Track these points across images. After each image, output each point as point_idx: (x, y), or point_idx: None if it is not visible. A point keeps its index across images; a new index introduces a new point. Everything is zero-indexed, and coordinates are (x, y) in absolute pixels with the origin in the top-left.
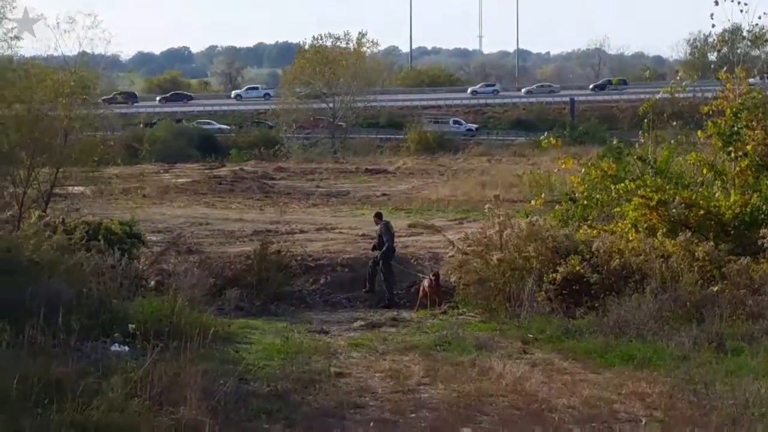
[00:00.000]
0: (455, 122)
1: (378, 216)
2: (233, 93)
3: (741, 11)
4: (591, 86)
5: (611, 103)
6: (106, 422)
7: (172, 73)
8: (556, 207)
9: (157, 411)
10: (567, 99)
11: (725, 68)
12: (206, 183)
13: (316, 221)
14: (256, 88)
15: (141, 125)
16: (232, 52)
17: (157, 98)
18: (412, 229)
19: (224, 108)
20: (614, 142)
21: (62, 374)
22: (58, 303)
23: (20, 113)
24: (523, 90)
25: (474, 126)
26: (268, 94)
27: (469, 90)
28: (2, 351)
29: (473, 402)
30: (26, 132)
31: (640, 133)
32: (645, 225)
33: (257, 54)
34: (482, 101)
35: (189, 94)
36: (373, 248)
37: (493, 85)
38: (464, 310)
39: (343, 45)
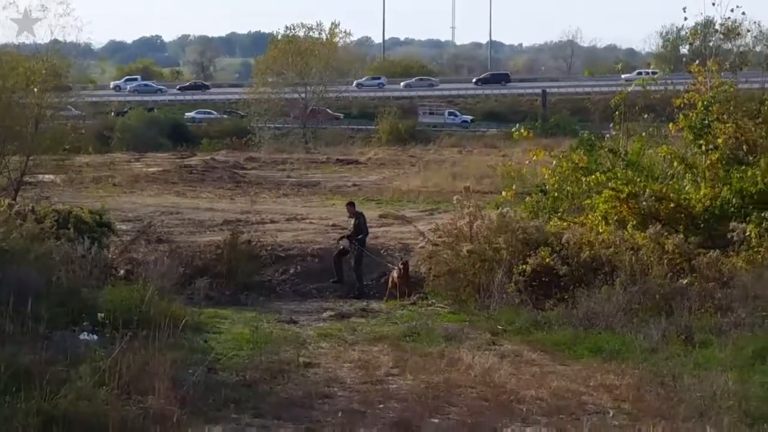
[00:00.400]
0: (450, 114)
1: (351, 205)
2: (112, 84)
3: (713, 4)
4: (474, 80)
5: (583, 95)
6: (74, 411)
7: (144, 62)
8: (527, 199)
9: (126, 400)
10: (539, 90)
11: (697, 61)
12: (177, 172)
13: (286, 211)
14: (135, 79)
15: (112, 114)
16: (205, 42)
17: (177, 87)
18: (382, 220)
19: (195, 98)
20: (586, 135)
21: (30, 362)
22: (27, 291)
23: None
24: (402, 84)
25: (469, 118)
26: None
27: (355, 83)
28: None
29: (442, 393)
30: None
31: (611, 125)
32: (615, 217)
33: (230, 43)
34: (454, 92)
35: (206, 83)
36: (341, 238)
37: (379, 78)
38: (434, 301)
39: (316, 35)
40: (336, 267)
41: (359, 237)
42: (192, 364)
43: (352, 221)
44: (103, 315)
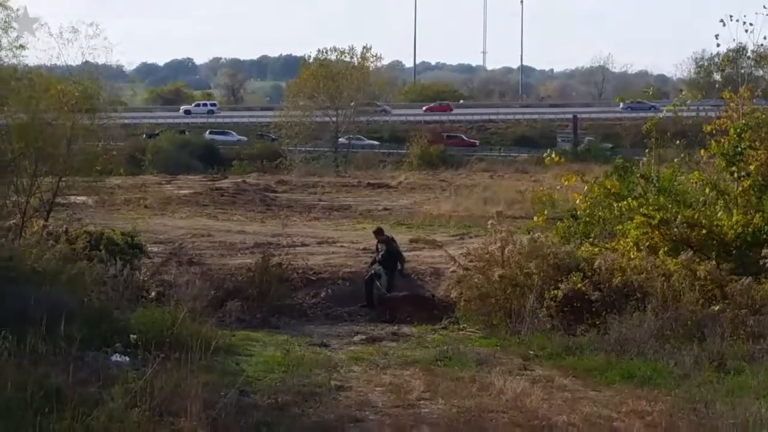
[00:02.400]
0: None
1: (379, 231)
2: (182, 108)
3: (746, 31)
4: (423, 108)
5: (614, 120)
6: None
7: (175, 84)
8: (558, 224)
9: (158, 422)
10: (570, 116)
11: (729, 88)
12: (208, 194)
13: (317, 234)
14: (205, 104)
15: (144, 136)
16: (236, 64)
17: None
18: (413, 244)
19: (227, 120)
20: (620, 160)
21: (63, 383)
22: (59, 312)
23: (24, 122)
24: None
25: (609, 145)
26: (212, 111)
27: (182, 109)
28: (4, 359)
29: (473, 418)
30: (30, 141)
31: (646, 151)
32: (647, 243)
33: (261, 66)
34: (485, 117)
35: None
36: (372, 263)
37: (211, 104)
38: (465, 325)
39: (347, 59)
40: (367, 291)
41: (395, 262)
42: (224, 386)
43: (381, 246)
44: (135, 336)
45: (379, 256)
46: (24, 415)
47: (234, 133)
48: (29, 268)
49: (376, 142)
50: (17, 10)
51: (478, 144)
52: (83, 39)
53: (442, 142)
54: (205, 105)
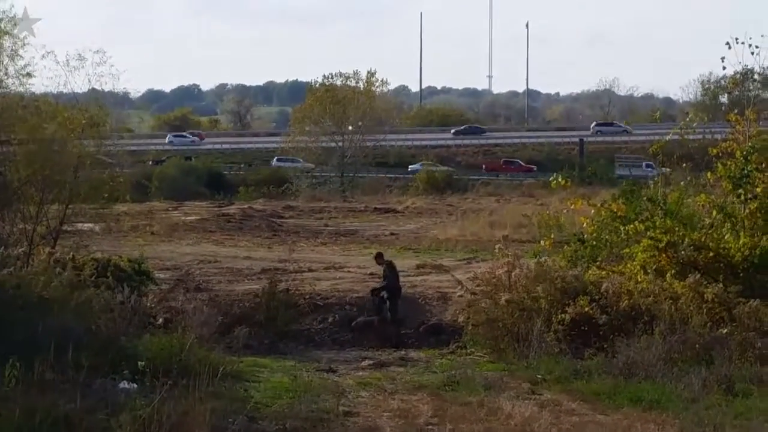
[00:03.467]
0: (648, 166)
1: (379, 256)
2: (167, 138)
3: (752, 53)
4: (452, 131)
5: (620, 144)
6: None
7: (182, 111)
8: (565, 248)
9: None
10: (576, 139)
11: (736, 110)
12: (215, 221)
13: (324, 260)
14: (185, 136)
15: (150, 162)
16: (242, 90)
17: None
18: (420, 269)
19: (233, 147)
20: (627, 184)
21: (71, 411)
22: (67, 339)
23: (31, 150)
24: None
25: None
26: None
27: (167, 138)
28: (12, 387)
29: None
30: (37, 168)
31: (652, 173)
32: (654, 266)
33: (267, 92)
34: (492, 141)
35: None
36: (372, 292)
37: (191, 134)
38: (472, 350)
39: (353, 84)
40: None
41: (383, 286)
42: (232, 412)
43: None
44: (143, 363)
45: (384, 282)
46: None
47: (301, 160)
48: (37, 295)
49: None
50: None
51: (535, 169)
52: (90, 66)
53: (499, 168)
54: (185, 137)
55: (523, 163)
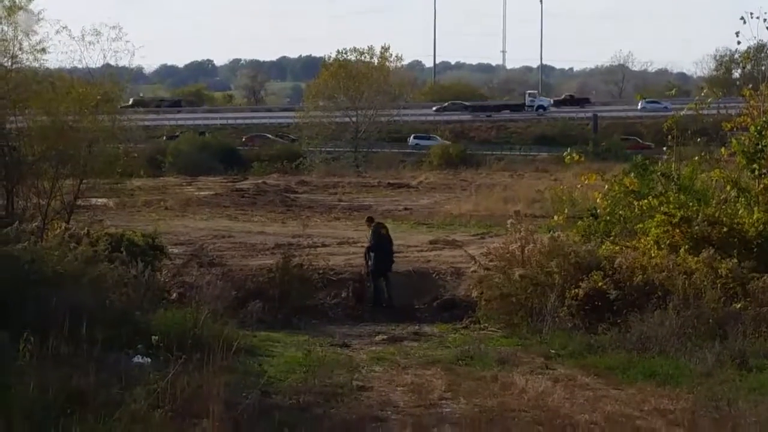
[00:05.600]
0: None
1: (369, 220)
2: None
3: (767, 28)
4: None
5: (634, 119)
6: None
7: (196, 86)
8: (579, 223)
9: (180, 423)
10: (590, 114)
11: (750, 85)
12: (228, 196)
13: (338, 235)
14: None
15: (164, 138)
16: (256, 66)
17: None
18: (433, 244)
19: (247, 121)
20: (639, 158)
21: (85, 385)
22: (81, 314)
23: (45, 125)
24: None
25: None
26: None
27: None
28: (26, 361)
29: (495, 417)
30: (51, 144)
31: (664, 149)
32: (668, 242)
33: (281, 67)
34: (506, 117)
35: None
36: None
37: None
38: (486, 325)
39: (367, 59)
40: (375, 290)
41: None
42: (245, 387)
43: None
44: (156, 338)
45: (369, 242)
46: (46, 417)
47: (438, 138)
48: (51, 270)
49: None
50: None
51: (653, 146)
52: (105, 41)
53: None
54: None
55: (640, 141)
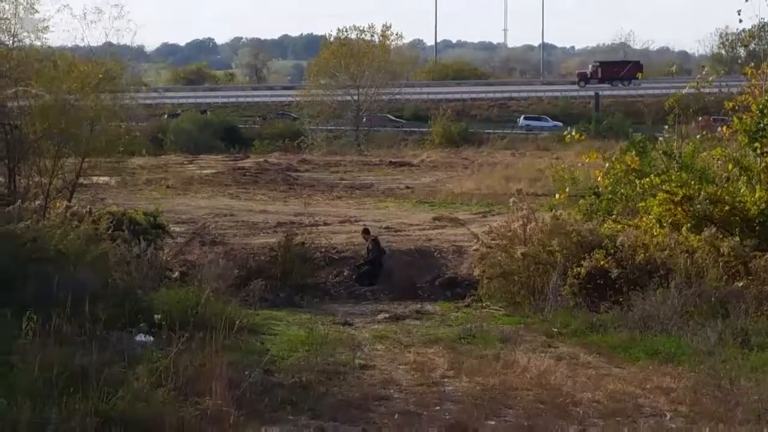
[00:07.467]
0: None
1: (366, 232)
2: None
3: None
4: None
5: (636, 98)
6: (131, 412)
7: (198, 65)
8: (580, 201)
9: (183, 401)
10: (592, 93)
11: (752, 64)
12: (230, 174)
13: (339, 213)
14: None
15: (165, 116)
16: (257, 44)
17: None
18: (436, 222)
19: (248, 99)
20: (637, 136)
21: (87, 363)
22: (84, 292)
23: (47, 103)
24: None
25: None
26: None
27: None
28: (29, 340)
29: (498, 395)
30: (53, 122)
31: (665, 127)
32: (670, 220)
33: (282, 46)
34: (506, 94)
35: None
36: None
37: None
38: (488, 303)
39: (368, 38)
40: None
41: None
42: (248, 365)
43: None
44: (159, 316)
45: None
46: (49, 395)
47: (549, 119)
48: (53, 248)
49: None
50: None
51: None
52: (107, 20)
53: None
54: None
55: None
